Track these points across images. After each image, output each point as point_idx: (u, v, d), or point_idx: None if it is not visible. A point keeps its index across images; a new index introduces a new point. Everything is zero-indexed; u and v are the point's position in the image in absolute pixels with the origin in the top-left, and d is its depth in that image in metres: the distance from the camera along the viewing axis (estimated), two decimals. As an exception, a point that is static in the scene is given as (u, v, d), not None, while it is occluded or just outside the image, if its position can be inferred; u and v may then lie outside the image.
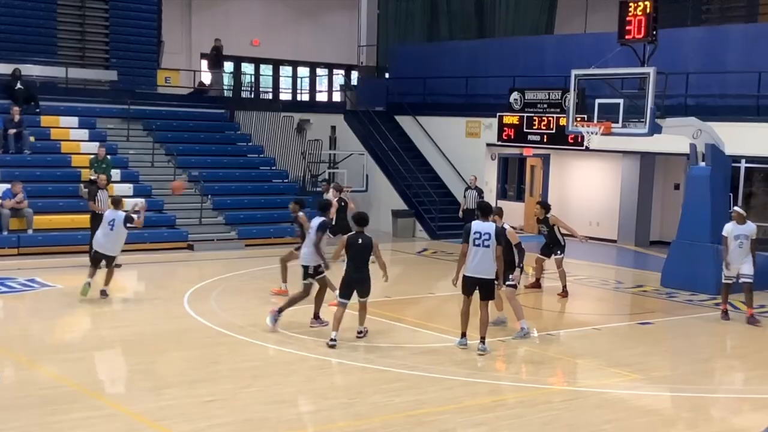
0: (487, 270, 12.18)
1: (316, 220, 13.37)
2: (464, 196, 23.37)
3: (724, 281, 15.43)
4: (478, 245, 12.10)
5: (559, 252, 16.87)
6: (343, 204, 19.39)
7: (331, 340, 12.36)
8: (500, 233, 12.38)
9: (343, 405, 10.03)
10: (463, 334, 12.49)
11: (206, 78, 30.02)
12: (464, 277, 12.32)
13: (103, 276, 15.45)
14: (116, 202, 16.02)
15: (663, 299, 17.30)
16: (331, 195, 19.87)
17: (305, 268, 13.40)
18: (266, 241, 21.94)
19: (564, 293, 16.78)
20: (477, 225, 12.26)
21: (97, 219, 18.39)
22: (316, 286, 13.46)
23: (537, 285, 17.34)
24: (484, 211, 12.49)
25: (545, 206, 16.98)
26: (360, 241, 12.56)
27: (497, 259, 12.21)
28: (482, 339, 12.31)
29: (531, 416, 9.87)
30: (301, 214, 15.39)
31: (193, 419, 9.38)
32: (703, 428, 10.07)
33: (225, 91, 30.73)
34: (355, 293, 12.66)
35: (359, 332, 12.99)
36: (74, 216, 20.47)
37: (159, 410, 9.61)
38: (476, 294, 12.36)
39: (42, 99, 23.80)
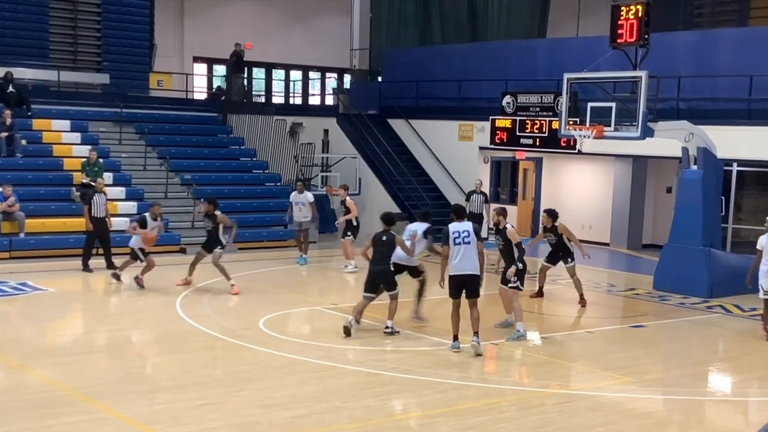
0: (471, 266, 12.35)
1: (422, 226, 13.81)
2: (468, 200, 22.65)
3: (762, 296, 14.07)
4: (459, 243, 12.31)
5: (570, 260, 16.34)
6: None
7: (347, 323, 13.26)
8: (477, 231, 12.63)
9: (335, 408, 10.02)
10: (455, 337, 12.53)
11: (199, 80, 30.03)
12: (450, 278, 12.44)
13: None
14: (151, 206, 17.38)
15: (655, 302, 17.33)
16: (341, 195, 19.97)
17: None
18: (259, 244, 21.93)
19: (582, 301, 16.35)
20: (455, 226, 12.50)
21: (95, 223, 18.34)
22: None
23: (540, 294, 16.87)
24: (459, 213, 12.85)
25: (553, 215, 16.36)
26: (384, 238, 13.45)
27: (480, 255, 12.46)
28: (476, 333, 12.42)
29: (524, 419, 9.88)
30: (218, 213, 16.62)
31: (185, 423, 9.37)
32: (695, 431, 10.09)
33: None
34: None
35: (387, 327, 13.36)
36: (66, 219, 20.44)
37: (151, 414, 9.59)
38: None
39: (34, 102, 23.76)
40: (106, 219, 18.70)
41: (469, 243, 12.32)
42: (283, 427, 9.39)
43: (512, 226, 13.82)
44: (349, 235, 19.53)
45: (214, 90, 29.58)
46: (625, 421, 10.06)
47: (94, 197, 18.46)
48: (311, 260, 20.72)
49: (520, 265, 13.59)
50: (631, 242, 24.96)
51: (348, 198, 19.81)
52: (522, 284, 13.75)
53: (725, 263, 18.30)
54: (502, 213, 13.90)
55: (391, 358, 12.27)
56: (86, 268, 18.34)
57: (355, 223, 19.56)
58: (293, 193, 20.90)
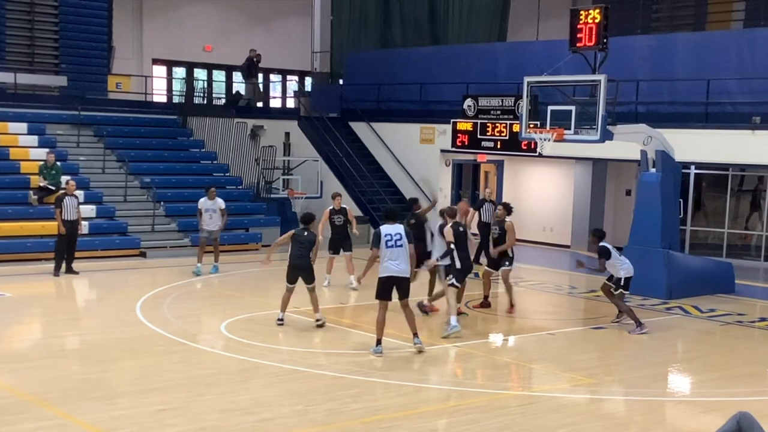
0: (402, 269, 12.50)
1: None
2: (478, 209, 21.60)
3: None
4: (391, 246, 12.44)
5: (507, 264, 16.00)
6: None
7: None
8: (409, 234, 12.78)
9: (298, 412, 9.98)
10: (379, 342, 12.61)
11: (158, 82, 29.79)
12: (380, 279, 12.55)
13: None
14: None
15: (615, 304, 17.43)
16: (336, 204, 18.65)
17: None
18: (220, 248, 21.74)
19: (511, 309, 15.95)
20: (386, 228, 12.62)
21: (65, 226, 18.05)
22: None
23: (486, 305, 16.20)
24: (390, 215, 12.90)
25: (508, 209, 16.14)
26: (461, 229, 14.19)
27: (411, 258, 12.62)
28: (415, 335, 12.68)
29: (486, 421, 9.90)
30: None
31: (145, 429, 9.28)
32: (656, 431, 10.18)
33: (177, 97, 30.52)
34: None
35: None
36: (23, 223, 20.18)
37: (111, 420, 9.48)
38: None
39: (-10, 105, 23.45)
40: (78, 222, 18.45)
41: (401, 246, 12.46)
42: (245, 431, 9.33)
43: (449, 227, 14.01)
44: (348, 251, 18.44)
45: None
46: (587, 422, 10.12)
47: (65, 200, 18.19)
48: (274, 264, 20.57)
49: (458, 264, 13.92)
50: (591, 244, 25.08)
51: (347, 207, 18.82)
52: (458, 282, 14.01)
53: (684, 265, 18.52)
54: (450, 213, 14.33)
55: (352, 361, 12.24)
56: (57, 273, 18.03)
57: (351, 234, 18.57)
58: (202, 200, 19.39)
